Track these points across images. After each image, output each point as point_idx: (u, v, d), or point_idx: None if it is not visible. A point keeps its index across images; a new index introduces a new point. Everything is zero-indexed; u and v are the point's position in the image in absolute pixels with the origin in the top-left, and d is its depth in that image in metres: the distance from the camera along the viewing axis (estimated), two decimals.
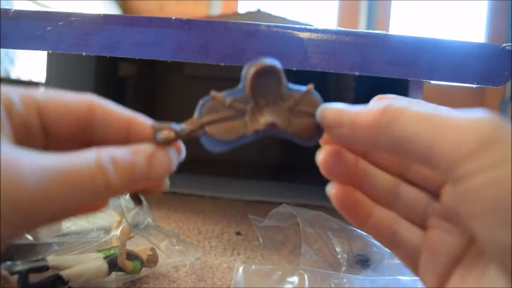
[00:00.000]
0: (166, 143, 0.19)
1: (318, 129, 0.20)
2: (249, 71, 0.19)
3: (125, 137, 0.20)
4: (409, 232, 0.21)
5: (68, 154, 0.16)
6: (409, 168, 0.21)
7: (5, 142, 0.16)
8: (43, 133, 0.19)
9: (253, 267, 0.34)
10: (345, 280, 0.33)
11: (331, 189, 0.21)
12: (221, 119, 0.19)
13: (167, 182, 0.21)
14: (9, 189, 0.14)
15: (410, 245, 0.21)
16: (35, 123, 0.19)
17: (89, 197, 0.16)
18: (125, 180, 0.17)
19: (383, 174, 0.22)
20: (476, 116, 0.15)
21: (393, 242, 0.21)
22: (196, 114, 0.20)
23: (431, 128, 0.15)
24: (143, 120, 0.20)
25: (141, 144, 0.18)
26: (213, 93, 0.20)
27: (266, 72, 0.19)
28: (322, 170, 0.21)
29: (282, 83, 0.20)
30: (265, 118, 0.19)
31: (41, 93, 0.19)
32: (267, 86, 0.19)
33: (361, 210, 0.21)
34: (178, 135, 0.19)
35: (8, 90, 0.18)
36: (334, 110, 0.19)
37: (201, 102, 0.20)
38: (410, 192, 0.21)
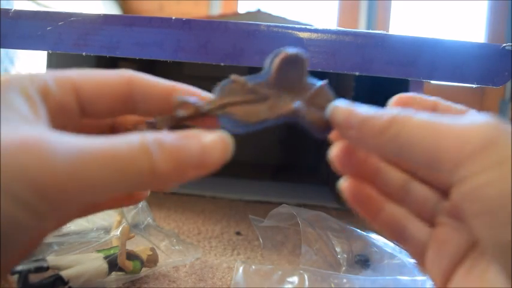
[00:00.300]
0: (185, 119, 0.19)
1: (329, 124, 0.21)
2: (275, 59, 0.20)
3: (169, 107, 0.19)
4: (417, 228, 0.21)
5: (107, 136, 0.15)
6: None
7: (35, 123, 0.15)
8: (81, 113, 0.18)
9: (253, 267, 0.34)
10: (344, 280, 0.33)
11: (344, 183, 0.22)
12: (243, 101, 0.20)
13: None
14: (32, 172, 0.13)
15: (418, 241, 0.21)
16: (72, 104, 0.18)
17: (130, 183, 0.15)
18: (173, 164, 0.15)
19: (394, 171, 0.22)
20: (477, 119, 0.16)
21: (402, 237, 0.22)
22: (216, 95, 0.20)
23: (436, 133, 0.16)
24: (185, 88, 0.20)
25: (193, 130, 0.17)
26: (234, 76, 0.20)
27: (292, 61, 0.20)
28: (335, 165, 0.21)
29: (305, 73, 0.20)
30: (290, 104, 0.20)
31: (76, 73, 0.18)
32: (291, 74, 0.20)
33: (373, 204, 0.22)
34: (197, 112, 0.19)
35: (42, 73, 0.17)
36: (345, 110, 0.19)
37: (221, 84, 0.20)
38: (420, 190, 0.22)
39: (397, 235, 0.22)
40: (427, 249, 0.21)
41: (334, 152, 0.21)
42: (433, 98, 0.22)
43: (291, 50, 0.20)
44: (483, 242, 0.16)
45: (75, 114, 0.18)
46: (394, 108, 0.18)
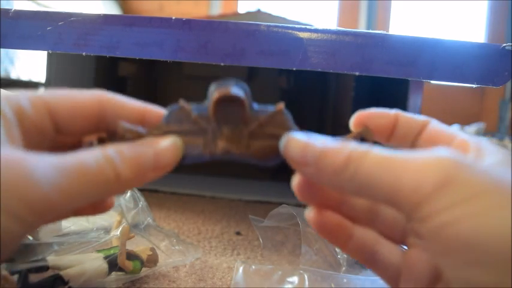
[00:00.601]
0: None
1: (279, 153, 0.20)
2: (213, 94, 0.19)
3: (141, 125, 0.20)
4: (389, 251, 0.21)
5: (74, 152, 0.16)
6: None
7: (12, 145, 0.16)
8: (56, 131, 0.19)
9: (253, 267, 0.34)
10: (345, 280, 0.33)
11: (309, 214, 0.21)
12: (185, 132, 0.20)
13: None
14: (22, 189, 0.14)
15: (390, 265, 0.21)
16: (47, 124, 0.19)
17: (101, 190, 0.17)
18: (134, 170, 0.17)
19: None
20: (433, 156, 0.16)
21: (374, 262, 0.21)
22: (163, 120, 0.20)
23: (393, 172, 0.16)
24: (157, 111, 0.21)
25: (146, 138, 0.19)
26: (181, 102, 0.20)
27: (228, 100, 0.19)
28: (298, 196, 0.21)
29: (245, 109, 0.19)
30: (222, 145, 0.19)
31: (50, 94, 0.19)
32: (229, 111, 0.19)
33: (342, 232, 0.21)
34: (138, 137, 0.19)
35: (17, 95, 0.18)
36: (299, 145, 0.18)
37: (169, 108, 0.20)
38: (389, 211, 0.21)
39: (369, 261, 0.21)
40: (400, 272, 0.20)
41: (295, 182, 0.20)
42: (393, 111, 0.22)
43: (227, 89, 0.19)
44: (448, 279, 0.16)
45: (50, 133, 0.19)
46: (349, 143, 0.18)
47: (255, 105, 0.20)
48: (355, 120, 0.22)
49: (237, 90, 0.19)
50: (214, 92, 0.19)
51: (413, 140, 0.21)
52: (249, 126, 0.19)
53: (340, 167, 0.17)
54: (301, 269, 0.34)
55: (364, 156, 0.17)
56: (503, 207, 0.14)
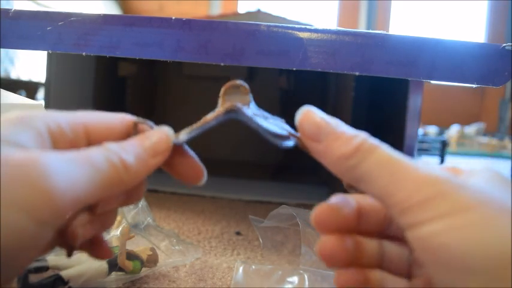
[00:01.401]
0: None
1: (291, 134, 0.21)
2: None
3: None
4: (396, 286, 0.21)
5: (81, 149, 0.18)
6: (390, 225, 0.22)
7: (32, 147, 0.17)
8: None
9: (253, 267, 0.34)
10: None
11: (340, 279, 0.21)
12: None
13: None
14: (38, 186, 0.15)
15: None
16: (82, 145, 0.20)
17: (114, 181, 0.18)
18: (138, 158, 0.19)
19: (369, 241, 0.22)
20: (430, 172, 0.17)
21: None
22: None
23: (392, 175, 0.17)
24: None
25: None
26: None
27: (235, 87, 0.22)
28: (324, 262, 0.21)
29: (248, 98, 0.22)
30: (227, 104, 0.22)
31: (87, 117, 0.20)
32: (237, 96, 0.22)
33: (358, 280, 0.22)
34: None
35: (56, 116, 0.19)
36: (316, 120, 0.19)
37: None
38: (393, 249, 0.22)
39: None
40: None
41: (318, 247, 0.20)
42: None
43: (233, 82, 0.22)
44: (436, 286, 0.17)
45: None
46: (362, 133, 0.18)
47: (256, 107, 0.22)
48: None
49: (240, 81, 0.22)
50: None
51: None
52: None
53: (347, 154, 0.18)
54: (301, 269, 0.34)
55: (373, 151, 0.18)
56: (482, 224, 0.15)
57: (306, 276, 0.33)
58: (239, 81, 0.22)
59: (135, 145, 0.19)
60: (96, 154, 0.17)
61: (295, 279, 0.33)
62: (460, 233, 0.15)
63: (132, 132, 0.21)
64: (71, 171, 0.16)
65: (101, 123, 0.20)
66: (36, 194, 0.15)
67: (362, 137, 0.18)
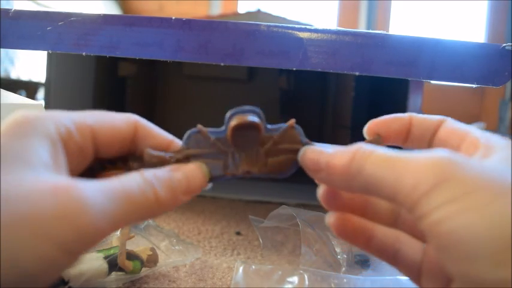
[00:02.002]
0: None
1: (295, 163, 0.21)
2: (230, 121, 0.21)
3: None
4: (411, 248, 0.22)
5: (115, 178, 0.17)
6: (398, 219, 0.23)
7: (58, 171, 0.17)
8: (94, 154, 0.20)
9: (253, 267, 0.34)
10: (345, 280, 0.33)
11: (330, 220, 0.22)
12: (205, 154, 0.21)
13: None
14: (72, 218, 0.14)
15: (412, 262, 0.21)
16: (90, 147, 0.19)
17: (144, 213, 0.18)
18: (170, 193, 0.18)
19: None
20: (431, 157, 0.16)
21: (396, 260, 0.22)
22: (182, 144, 0.21)
23: (394, 172, 0.17)
24: (179, 142, 0.22)
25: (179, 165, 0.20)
26: (199, 126, 0.21)
27: (245, 127, 0.20)
28: (323, 204, 0.22)
29: (260, 134, 0.21)
30: (242, 167, 0.21)
31: (92, 118, 0.20)
32: (246, 136, 0.21)
33: (363, 235, 0.22)
34: (164, 162, 0.21)
35: (64, 119, 0.18)
36: (313, 153, 0.20)
37: (188, 132, 0.21)
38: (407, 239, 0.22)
39: (391, 259, 0.22)
40: (421, 268, 0.21)
41: (320, 192, 0.22)
42: (406, 115, 0.22)
43: (244, 117, 0.20)
44: (451, 275, 0.16)
45: (89, 155, 0.20)
46: (356, 144, 0.19)
47: (268, 126, 0.21)
48: (368, 128, 0.23)
49: (252, 117, 0.20)
50: (232, 119, 0.20)
51: (429, 141, 0.22)
52: (264, 146, 0.21)
53: (346, 164, 0.18)
54: (301, 269, 0.34)
55: (368, 156, 0.18)
56: (493, 204, 0.15)
57: (306, 276, 0.33)
58: (250, 119, 0.20)
59: (169, 178, 0.19)
60: (132, 186, 0.17)
61: (295, 279, 0.33)
62: (466, 216, 0.15)
63: (163, 148, 0.21)
64: (107, 205, 0.16)
65: (107, 124, 0.20)
66: (71, 229, 0.14)
67: (356, 145, 0.18)
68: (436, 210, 0.15)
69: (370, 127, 0.22)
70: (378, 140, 0.22)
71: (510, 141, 0.19)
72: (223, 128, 0.21)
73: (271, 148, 0.21)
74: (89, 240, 0.15)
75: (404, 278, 0.34)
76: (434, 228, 0.15)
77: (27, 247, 0.13)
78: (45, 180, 0.15)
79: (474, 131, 0.20)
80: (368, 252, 0.22)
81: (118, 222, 0.16)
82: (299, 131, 0.21)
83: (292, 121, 0.21)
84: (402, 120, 0.22)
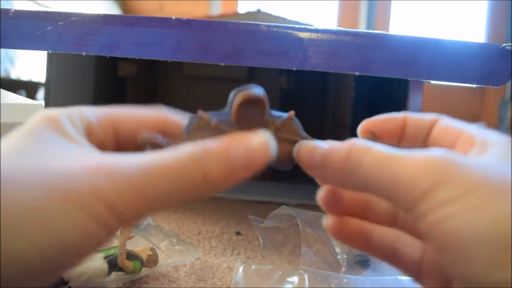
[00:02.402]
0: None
1: (292, 157, 0.21)
2: (235, 98, 0.19)
3: None
4: (410, 247, 0.21)
5: (159, 152, 0.16)
6: (397, 219, 0.22)
7: (94, 149, 0.17)
8: (115, 148, 0.19)
9: (253, 267, 0.34)
10: (345, 280, 0.33)
11: (327, 222, 0.22)
12: (207, 138, 0.19)
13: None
14: (107, 191, 0.14)
15: (412, 261, 0.21)
16: (111, 141, 0.19)
17: (186, 193, 0.16)
18: (223, 170, 0.16)
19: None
20: (428, 156, 0.16)
21: (396, 260, 0.22)
22: (183, 131, 0.20)
23: (391, 171, 0.16)
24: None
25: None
26: (200, 112, 0.20)
27: (251, 102, 0.19)
28: (324, 208, 0.22)
29: (265, 112, 0.20)
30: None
31: (115, 112, 0.19)
32: (251, 113, 0.20)
33: (361, 236, 0.22)
34: (159, 148, 0.19)
35: (86, 111, 0.18)
36: (308, 148, 0.19)
37: (188, 119, 0.20)
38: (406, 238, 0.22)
39: (391, 259, 0.22)
40: (422, 267, 0.21)
41: (320, 196, 0.21)
42: (401, 114, 0.22)
43: (250, 91, 0.19)
44: (451, 275, 0.16)
45: (109, 149, 0.19)
46: (351, 140, 0.18)
47: (272, 111, 0.21)
48: (363, 127, 0.22)
49: (258, 91, 0.19)
50: (238, 95, 0.19)
51: (423, 140, 0.22)
52: (267, 128, 0.20)
53: (342, 162, 0.18)
54: (301, 269, 0.34)
55: (365, 152, 0.17)
56: (492, 203, 0.14)
57: (306, 276, 0.33)
58: (256, 92, 0.19)
59: (226, 151, 0.16)
60: (172, 162, 0.15)
61: (295, 279, 0.33)
62: (465, 216, 0.15)
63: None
64: (141, 183, 0.15)
65: (129, 119, 0.19)
66: (105, 206, 0.14)
67: (351, 141, 0.18)
68: (435, 210, 0.15)
69: (364, 126, 0.22)
70: (373, 139, 0.22)
71: (507, 137, 0.18)
72: (226, 109, 0.20)
73: (273, 134, 0.20)
74: (122, 218, 0.15)
75: (404, 278, 0.34)
76: (433, 228, 0.15)
77: (67, 218, 0.14)
78: (81, 157, 0.15)
79: (469, 128, 0.20)
80: (367, 253, 0.22)
81: (154, 202, 0.15)
82: (298, 124, 0.21)
83: (292, 112, 0.21)
84: (397, 120, 0.22)
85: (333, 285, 0.33)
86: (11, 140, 0.16)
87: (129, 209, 0.15)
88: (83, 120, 0.18)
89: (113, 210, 0.14)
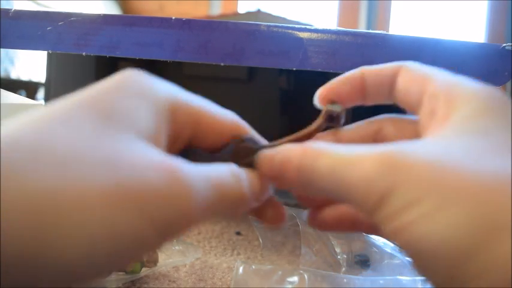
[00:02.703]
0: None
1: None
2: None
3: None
4: None
5: (207, 165, 0.16)
6: None
7: (159, 146, 0.15)
8: (186, 142, 0.18)
9: (253, 267, 0.34)
10: (345, 280, 0.33)
11: (308, 217, 0.21)
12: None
13: None
14: (176, 200, 0.14)
15: None
16: (187, 134, 0.18)
17: (232, 206, 0.16)
18: (254, 190, 0.17)
19: None
20: (378, 155, 0.15)
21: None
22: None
23: (343, 178, 0.15)
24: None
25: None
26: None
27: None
28: (301, 203, 0.21)
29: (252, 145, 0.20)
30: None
31: (201, 104, 0.18)
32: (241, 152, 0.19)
33: (344, 222, 0.21)
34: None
35: (177, 91, 0.17)
36: (266, 157, 0.18)
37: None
38: None
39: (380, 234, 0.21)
40: None
41: (308, 219, 0.21)
42: (358, 70, 0.20)
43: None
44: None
45: (182, 140, 0.18)
46: (306, 143, 0.17)
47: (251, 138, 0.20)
48: (320, 96, 0.21)
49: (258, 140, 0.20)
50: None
51: (388, 94, 0.20)
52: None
53: (296, 169, 0.16)
54: (301, 269, 0.34)
55: (316, 158, 0.16)
56: (444, 210, 0.13)
57: (306, 276, 0.33)
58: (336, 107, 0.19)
59: (250, 178, 0.17)
60: (226, 177, 0.16)
61: (295, 279, 0.33)
62: (419, 225, 0.13)
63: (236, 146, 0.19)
64: (205, 192, 0.15)
65: (210, 119, 0.18)
66: (172, 211, 0.13)
67: (305, 145, 0.17)
68: (393, 219, 0.14)
69: (321, 95, 0.21)
70: (336, 108, 0.20)
71: (477, 86, 0.16)
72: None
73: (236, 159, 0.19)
74: (184, 225, 0.14)
75: (404, 278, 0.34)
76: (395, 236, 0.14)
77: (123, 216, 0.12)
78: (152, 155, 0.14)
79: (436, 77, 0.18)
80: (358, 231, 0.22)
81: (210, 211, 0.15)
82: (250, 141, 0.19)
83: (239, 136, 0.19)
84: (353, 79, 0.20)
85: (333, 285, 0.33)
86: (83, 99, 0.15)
87: (192, 217, 0.14)
88: (171, 97, 0.17)
89: (177, 217, 0.14)
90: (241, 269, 0.33)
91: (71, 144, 0.12)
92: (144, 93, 0.15)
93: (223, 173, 0.16)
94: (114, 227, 0.12)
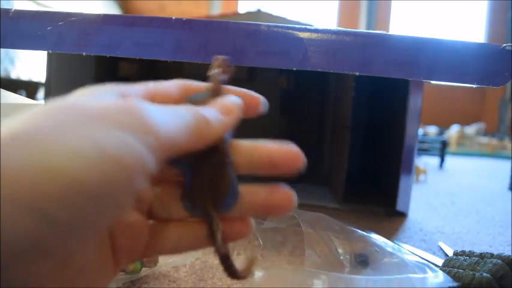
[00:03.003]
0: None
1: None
2: None
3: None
4: None
5: (167, 105, 0.18)
6: None
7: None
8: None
9: (272, 272, 0.33)
10: (349, 281, 0.33)
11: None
12: None
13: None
14: (143, 120, 0.15)
15: None
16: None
17: (197, 134, 0.18)
18: (215, 116, 0.19)
19: None
20: None
21: None
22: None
23: None
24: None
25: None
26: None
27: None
28: None
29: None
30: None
31: (151, 88, 0.21)
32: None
33: None
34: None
35: (131, 92, 0.20)
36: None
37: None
38: None
39: None
40: None
41: None
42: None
43: None
44: None
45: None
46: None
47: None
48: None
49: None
50: None
51: None
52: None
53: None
54: (321, 273, 0.33)
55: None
56: None
57: (323, 279, 0.32)
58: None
59: (208, 105, 0.20)
60: (182, 109, 0.18)
61: (314, 282, 0.32)
62: None
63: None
64: (165, 118, 0.17)
65: (161, 92, 0.21)
66: (139, 125, 0.15)
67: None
68: None
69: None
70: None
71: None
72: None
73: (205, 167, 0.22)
74: (157, 139, 0.16)
75: (404, 277, 0.33)
76: None
77: (110, 135, 0.14)
78: (119, 100, 0.17)
79: None
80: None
81: (177, 136, 0.17)
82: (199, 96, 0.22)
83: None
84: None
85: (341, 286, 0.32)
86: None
87: (163, 138, 0.16)
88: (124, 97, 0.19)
89: (151, 133, 0.15)
90: (260, 275, 0.33)
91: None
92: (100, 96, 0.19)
93: (181, 109, 0.18)
94: (105, 139, 0.14)
